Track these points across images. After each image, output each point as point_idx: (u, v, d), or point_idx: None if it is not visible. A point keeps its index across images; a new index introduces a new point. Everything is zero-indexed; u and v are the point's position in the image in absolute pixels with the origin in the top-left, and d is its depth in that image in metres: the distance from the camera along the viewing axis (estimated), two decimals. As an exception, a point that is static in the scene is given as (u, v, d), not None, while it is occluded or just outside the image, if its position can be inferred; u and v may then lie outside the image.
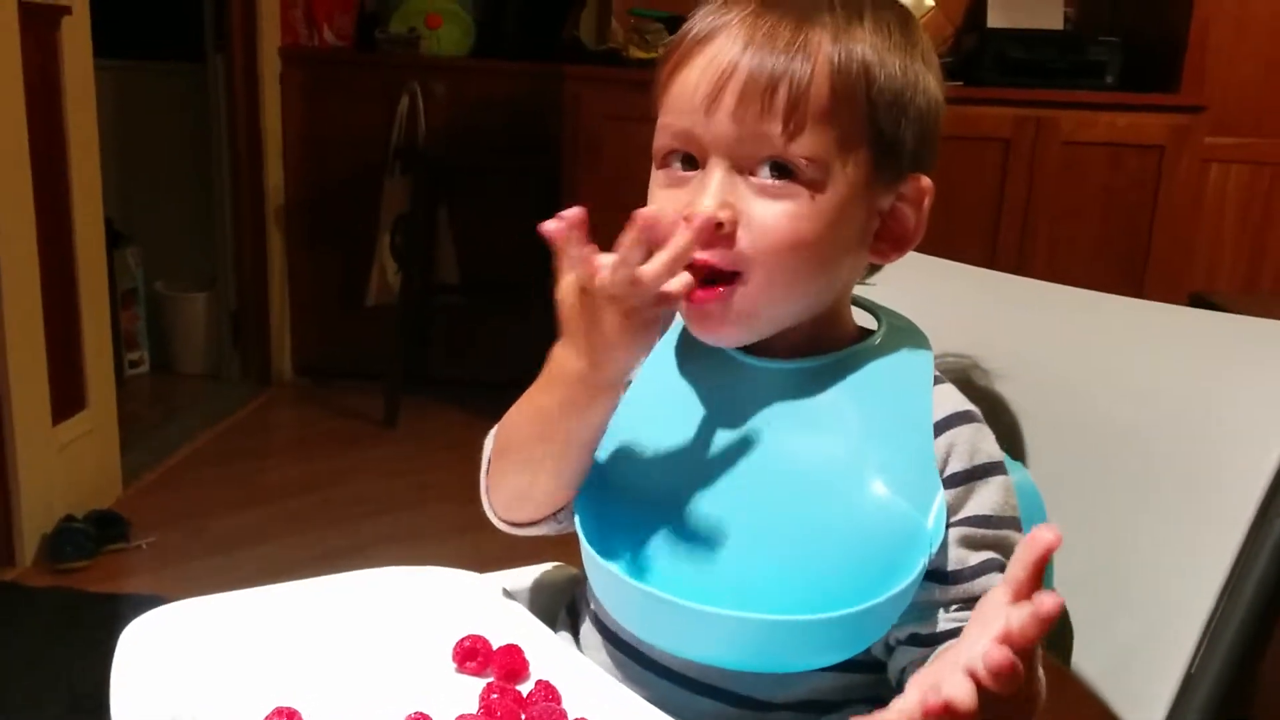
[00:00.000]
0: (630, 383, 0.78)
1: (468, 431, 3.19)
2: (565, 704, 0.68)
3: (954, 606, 0.70)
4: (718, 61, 0.69)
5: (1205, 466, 0.73)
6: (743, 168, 0.69)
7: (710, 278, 0.69)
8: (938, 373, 0.77)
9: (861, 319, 0.81)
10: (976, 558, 0.70)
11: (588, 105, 2.90)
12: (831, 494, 0.70)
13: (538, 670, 0.73)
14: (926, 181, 0.74)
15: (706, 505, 0.72)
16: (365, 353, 3.50)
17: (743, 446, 0.73)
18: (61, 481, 2.37)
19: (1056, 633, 0.80)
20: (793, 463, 0.71)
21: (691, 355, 0.78)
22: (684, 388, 0.77)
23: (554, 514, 0.79)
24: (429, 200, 3.29)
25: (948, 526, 0.70)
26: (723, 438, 0.73)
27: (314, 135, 3.50)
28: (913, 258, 0.82)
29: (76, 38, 2.38)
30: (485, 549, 1.27)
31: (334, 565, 0.87)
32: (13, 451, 2.21)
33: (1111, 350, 0.85)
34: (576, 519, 0.76)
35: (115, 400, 2.64)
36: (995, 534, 0.70)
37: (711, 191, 0.69)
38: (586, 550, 0.74)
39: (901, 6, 0.75)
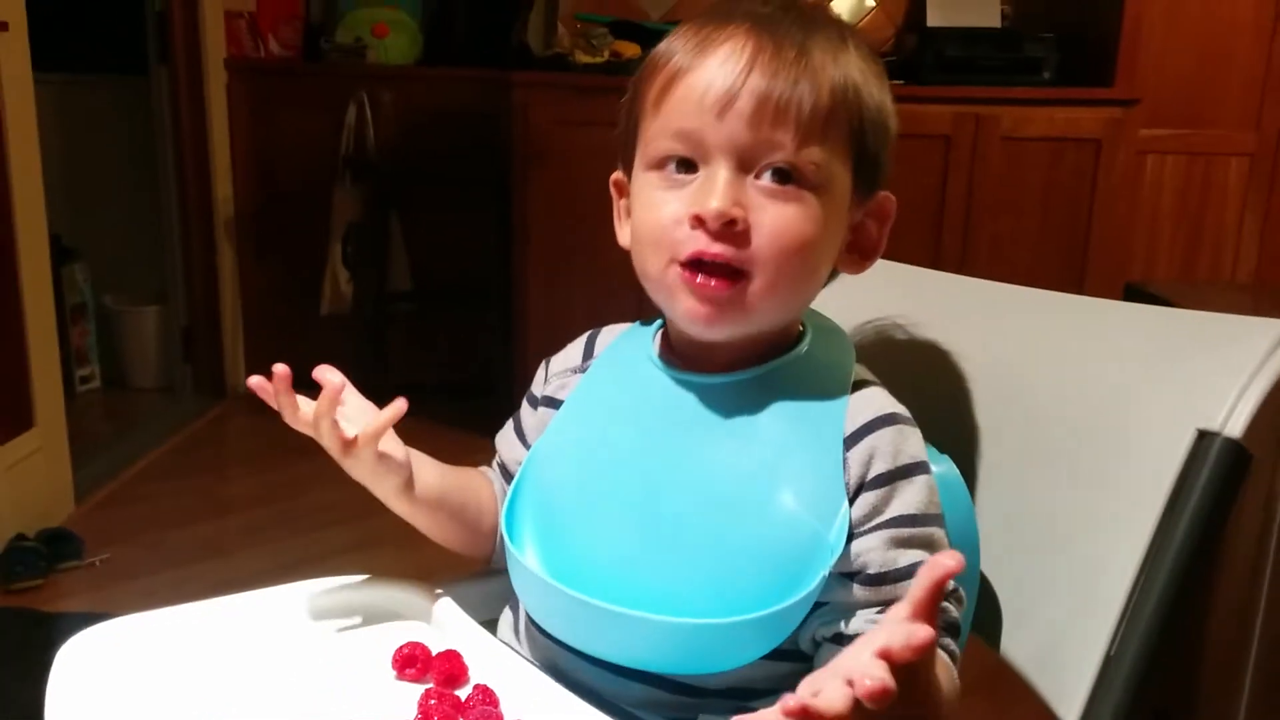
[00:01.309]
0: (561, 402, 0.83)
1: (423, 434, 3.20)
2: (503, 707, 0.69)
3: (879, 610, 0.71)
4: (730, 69, 0.72)
5: (1125, 453, 0.76)
6: (747, 169, 0.72)
7: (721, 271, 0.72)
8: (865, 375, 0.80)
9: None
10: (905, 558, 0.72)
11: (536, 110, 2.91)
12: (744, 506, 0.73)
13: (476, 675, 0.74)
14: (892, 200, 0.79)
15: (625, 515, 0.75)
16: (321, 362, 3.45)
17: (665, 459, 0.76)
18: (11, 501, 2.35)
19: (985, 619, 0.83)
20: (711, 475, 0.74)
21: (625, 372, 0.82)
22: (616, 403, 0.81)
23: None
24: (380, 208, 3.28)
25: (873, 529, 0.72)
26: (647, 450, 0.77)
27: (262, 146, 3.48)
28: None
29: (14, 52, 2.36)
30: (446, 555, 1.28)
31: (293, 575, 0.88)
32: (-39, 472, 2.19)
33: (1040, 344, 0.88)
34: (502, 524, 0.80)
35: (65, 417, 2.61)
36: (921, 532, 0.73)
37: (720, 191, 0.71)
38: (509, 550, 0.78)
39: (861, 32, 0.79)
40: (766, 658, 0.72)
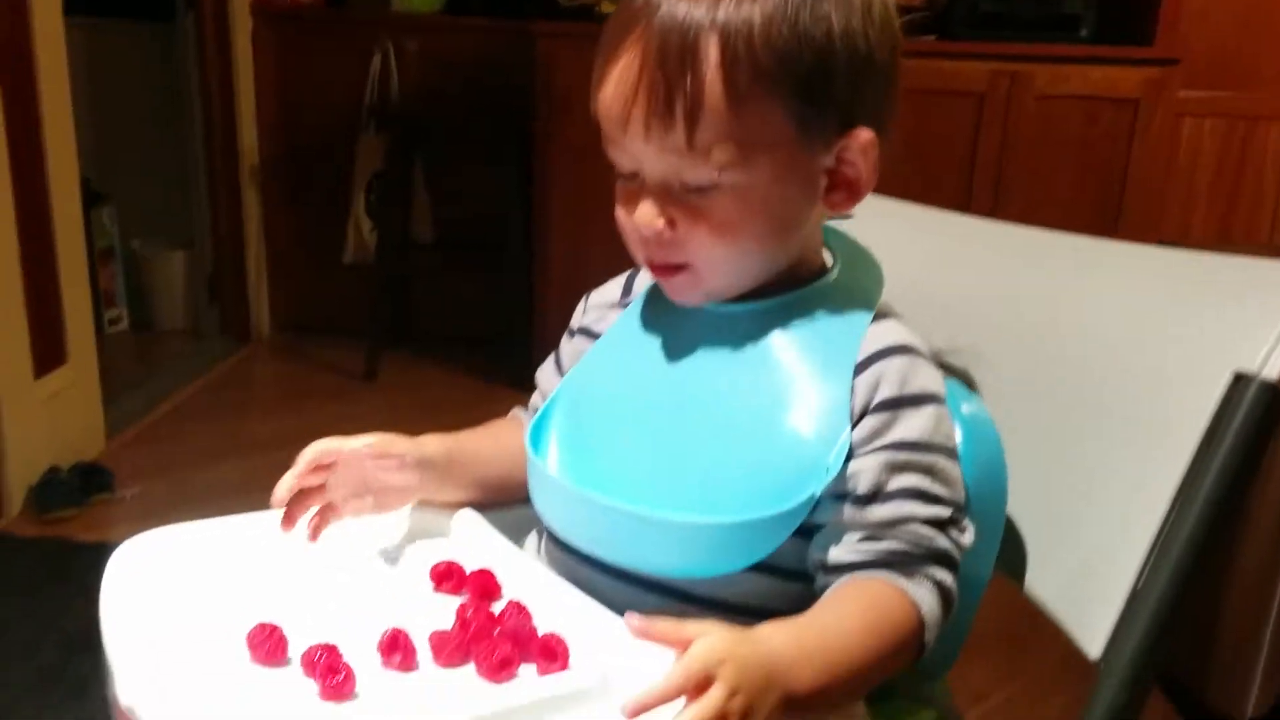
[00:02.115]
0: (597, 334, 0.87)
1: (447, 384, 3.23)
2: (535, 622, 0.70)
3: (863, 535, 0.72)
4: (621, 84, 0.72)
5: (1159, 395, 0.76)
6: (667, 178, 0.73)
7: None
8: (889, 310, 0.80)
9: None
10: (895, 483, 0.72)
11: (559, 61, 2.90)
12: (748, 427, 0.75)
13: (510, 592, 0.76)
14: (865, 134, 0.74)
15: (642, 433, 0.78)
16: (344, 308, 3.50)
17: (685, 383, 0.78)
18: (45, 434, 2.39)
19: (1011, 557, 0.84)
20: (723, 398, 0.77)
21: (659, 306, 0.84)
22: (648, 334, 0.83)
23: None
24: (403, 158, 3.28)
25: (872, 451, 0.73)
26: (669, 376, 0.79)
27: (287, 94, 3.48)
28: (877, 200, 0.84)
29: (46, -6, 2.36)
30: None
31: None
32: (-4, 404, 2.22)
33: (1073, 286, 0.87)
34: (527, 435, 0.83)
35: (96, 355, 2.64)
36: (920, 459, 0.73)
37: (644, 207, 0.74)
38: (530, 458, 0.81)
39: None
40: (777, 578, 0.74)
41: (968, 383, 0.86)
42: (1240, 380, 0.71)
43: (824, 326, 0.77)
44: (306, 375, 3.33)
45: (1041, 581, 0.81)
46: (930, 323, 0.91)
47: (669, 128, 0.70)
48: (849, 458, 0.73)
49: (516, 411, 0.96)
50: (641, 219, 0.74)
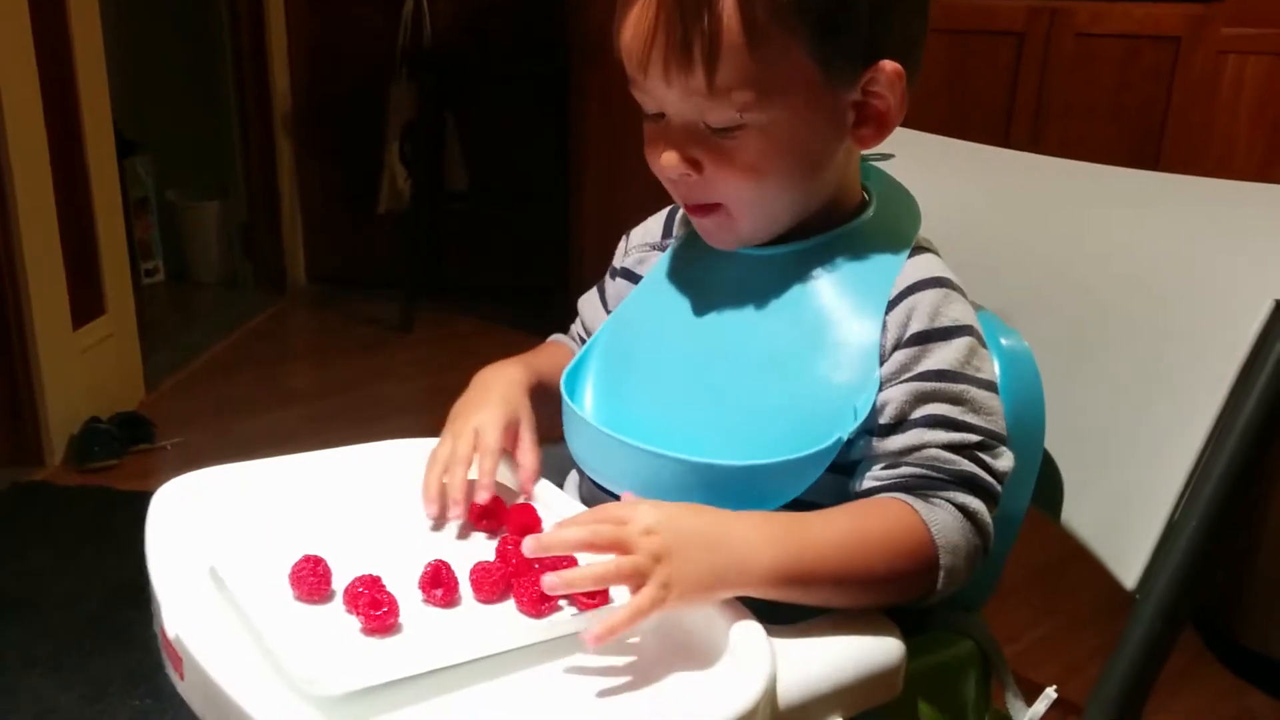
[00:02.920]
0: (638, 277, 0.87)
1: (482, 334, 3.25)
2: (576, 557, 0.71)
3: (884, 464, 0.73)
4: (639, 27, 0.71)
5: (1198, 324, 0.75)
6: (689, 119, 0.73)
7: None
8: (925, 244, 0.79)
9: None
10: (919, 411, 0.72)
11: (594, 5, 2.87)
12: (780, 371, 0.75)
13: (550, 526, 0.76)
14: (891, 66, 0.73)
15: (677, 378, 0.79)
16: (379, 259, 3.52)
17: (720, 328, 0.79)
18: (85, 384, 2.42)
19: (1047, 491, 0.83)
20: (756, 342, 0.77)
21: (697, 250, 0.84)
22: (686, 278, 0.83)
23: None
24: (436, 106, 3.27)
25: (900, 382, 0.73)
26: (706, 321, 0.80)
27: (320, 41, 3.47)
28: (915, 135, 0.83)
29: (77, -60, 2.36)
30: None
31: None
32: (35, 355, 2.25)
33: (1111, 217, 0.86)
34: (562, 381, 0.83)
35: (134, 306, 2.67)
36: (948, 387, 0.72)
37: (670, 151, 0.74)
38: (565, 403, 0.81)
39: None
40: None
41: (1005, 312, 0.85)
42: (1281, 309, 0.70)
43: (859, 266, 0.77)
44: (342, 327, 3.36)
45: (1078, 515, 0.81)
46: (968, 257, 0.90)
47: (689, 70, 0.69)
48: (878, 393, 0.73)
49: (556, 338, 0.97)
50: (666, 163, 0.74)
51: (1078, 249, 0.86)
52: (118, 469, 2.33)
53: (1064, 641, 1.81)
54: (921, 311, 0.74)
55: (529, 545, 0.65)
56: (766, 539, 0.67)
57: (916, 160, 0.87)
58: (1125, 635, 0.72)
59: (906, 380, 0.73)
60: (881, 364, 0.73)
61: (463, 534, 0.77)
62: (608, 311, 0.91)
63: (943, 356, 0.73)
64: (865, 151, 0.79)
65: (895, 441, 0.72)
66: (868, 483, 0.73)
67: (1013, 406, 0.77)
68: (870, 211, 0.80)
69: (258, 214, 3.54)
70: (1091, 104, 2.87)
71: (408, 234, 3.28)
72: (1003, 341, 0.79)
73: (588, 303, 0.95)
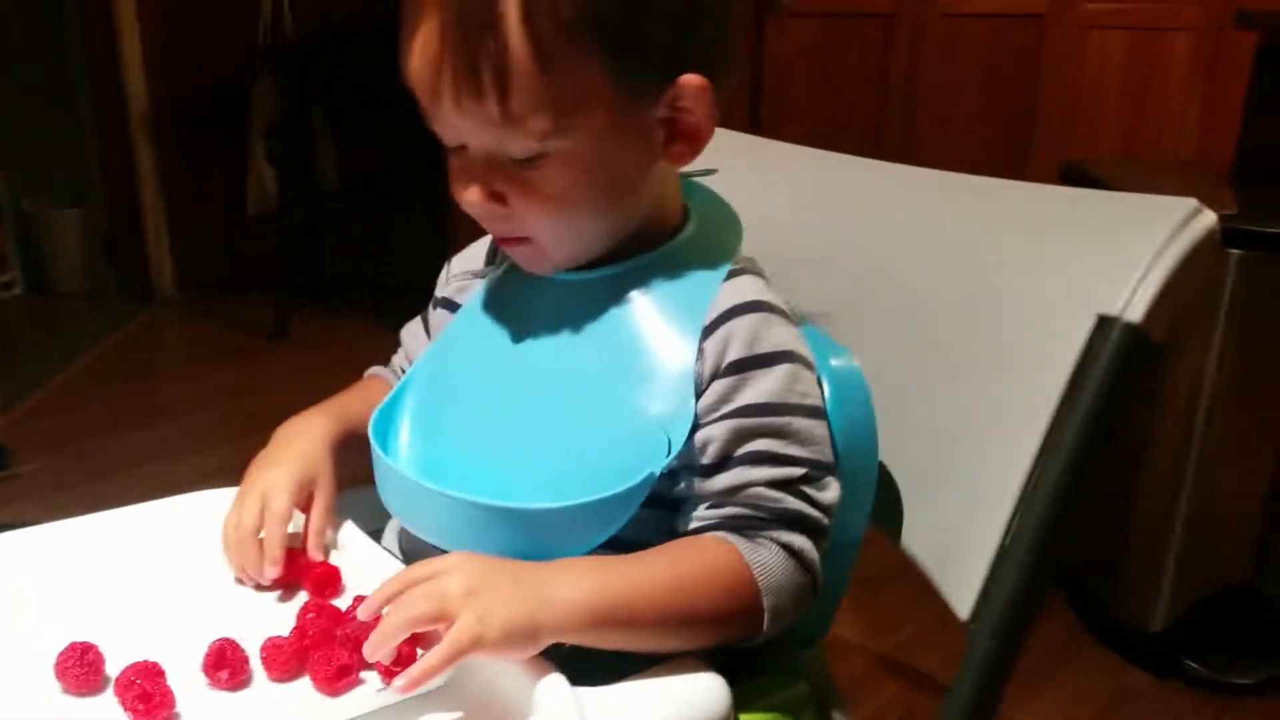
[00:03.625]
0: (458, 305, 0.83)
1: (361, 337, 3.15)
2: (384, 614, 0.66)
3: (708, 505, 0.70)
4: (426, 53, 0.66)
5: (1023, 340, 0.73)
6: (488, 150, 0.68)
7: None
8: (744, 264, 0.76)
9: None
10: (741, 449, 0.69)
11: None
12: (591, 403, 0.71)
13: (357, 586, 0.72)
14: (695, 80, 0.68)
15: (490, 413, 0.75)
16: (251, 263, 3.40)
17: (532, 359, 0.75)
18: (-70, 413, 2.29)
19: (887, 513, 0.81)
20: (567, 373, 0.73)
21: (515, 276, 0.80)
22: (503, 308, 0.79)
23: None
24: (303, 102, 3.17)
25: (719, 418, 0.70)
26: (518, 351, 0.76)
27: (176, 37, 3.34)
28: (739, 140, 0.80)
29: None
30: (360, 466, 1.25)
31: (231, 481, 0.84)
32: None
33: (933, 227, 0.84)
34: (371, 425, 0.78)
35: (-17, 325, 2.54)
36: (770, 422, 0.69)
37: (472, 186, 0.69)
38: (373, 448, 0.76)
39: None
40: (637, 549, 0.70)
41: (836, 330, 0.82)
42: (1104, 323, 0.68)
43: (675, 289, 0.73)
44: (214, 335, 3.24)
45: (915, 539, 0.79)
46: (797, 266, 0.87)
47: (480, 98, 0.64)
48: (697, 427, 0.69)
49: (375, 371, 0.92)
50: (470, 199, 0.69)
51: (910, 258, 0.84)
52: (-31, 500, 2.20)
53: (944, 629, 1.82)
54: (739, 338, 0.70)
55: (367, 651, 0.61)
56: (582, 576, 0.64)
57: (744, 168, 0.83)
58: (962, 664, 0.70)
59: (727, 416, 0.70)
60: (699, 394, 0.70)
61: (259, 603, 0.72)
62: (429, 338, 0.87)
63: (763, 387, 0.70)
64: (683, 169, 0.76)
65: (718, 481, 0.69)
66: (692, 523, 0.70)
67: (844, 428, 0.74)
68: (688, 231, 0.76)
69: (120, 220, 3.39)
70: (962, 84, 2.90)
71: (280, 236, 3.17)
72: (832, 362, 0.76)
73: (410, 334, 0.90)
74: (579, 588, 0.63)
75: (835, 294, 0.85)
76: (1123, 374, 0.68)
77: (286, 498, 0.75)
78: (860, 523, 0.77)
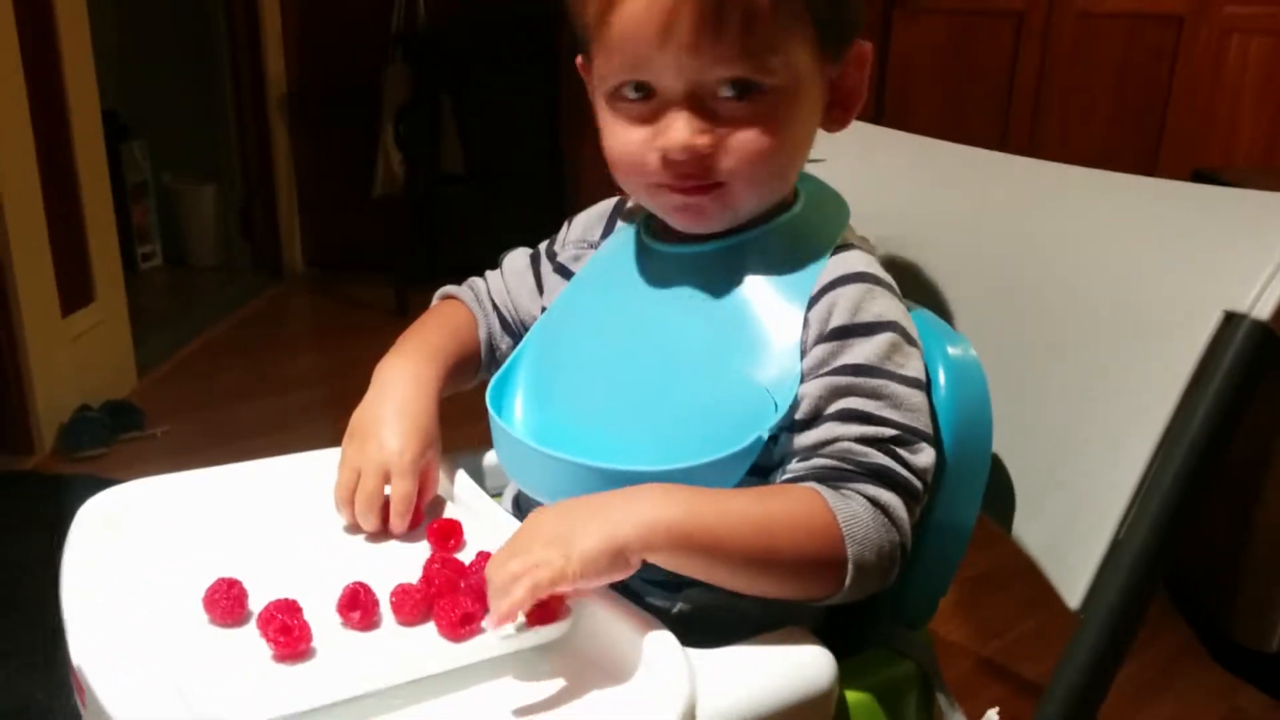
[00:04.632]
0: (571, 274, 0.86)
1: (476, 320, 3.21)
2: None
3: (798, 459, 0.71)
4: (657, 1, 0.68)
5: (1146, 335, 0.73)
6: (704, 90, 0.70)
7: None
8: (854, 241, 0.78)
9: None
10: (834, 406, 0.70)
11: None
12: (700, 371, 0.74)
13: (479, 542, 0.75)
14: (866, 45, 0.76)
15: (601, 382, 0.78)
16: (375, 243, 3.50)
17: (642, 329, 0.78)
18: (74, 373, 2.42)
19: (999, 503, 0.81)
20: (677, 342, 0.75)
21: (623, 249, 0.83)
22: (611, 279, 0.82)
23: None
24: (431, 89, 3.25)
25: (817, 377, 0.71)
26: (628, 321, 0.79)
27: (314, 24, 3.45)
28: (862, 128, 0.81)
29: (61, -79, 2.34)
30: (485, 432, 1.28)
31: None
32: (24, 343, 2.25)
33: (1060, 221, 0.84)
34: (489, 395, 0.81)
35: (124, 293, 2.67)
36: (866, 382, 0.71)
37: (681, 125, 0.70)
38: (491, 417, 0.79)
39: None
40: None
41: (951, 320, 0.83)
42: (1231, 319, 0.67)
43: (784, 261, 0.75)
44: (337, 311, 3.35)
45: (1027, 529, 0.79)
46: (914, 258, 0.88)
47: (719, 36, 0.67)
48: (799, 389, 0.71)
49: (449, 291, 0.95)
50: (680, 138, 0.70)
51: (1028, 252, 0.84)
52: (107, 457, 2.32)
53: (1054, 634, 1.79)
54: (842, 307, 0.72)
55: (489, 624, 0.63)
56: (669, 497, 0.66)
57: (864, 154, 0.84)
58: (1066, 656, 0.70)
59: (823, 375, 0.71)
60: (802, 359, 0.72)
61: (388, 552, 0.76)
62: (540, 290, 0.90)
63: (862, 351, 0.71)
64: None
65: (809, 436, 0.71)
66: (781, 476, 0.72)
67: (959, 415, 0.75)
68: (797, 208, 0.78)
69: (254, 198, 3.53)
70: (1093, 85, 2.83)
71: (402, 218, 3.26)
72: (950, 350, 0.76)
73: (514, 272, 0.92)
74: (663, 507, 0.65)
75: (953, 283, 0.85)
76: (1249, 371, 0.67)
77: (410, 481, 0.77)
78: (973, 508, 0.78)
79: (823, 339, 0.72)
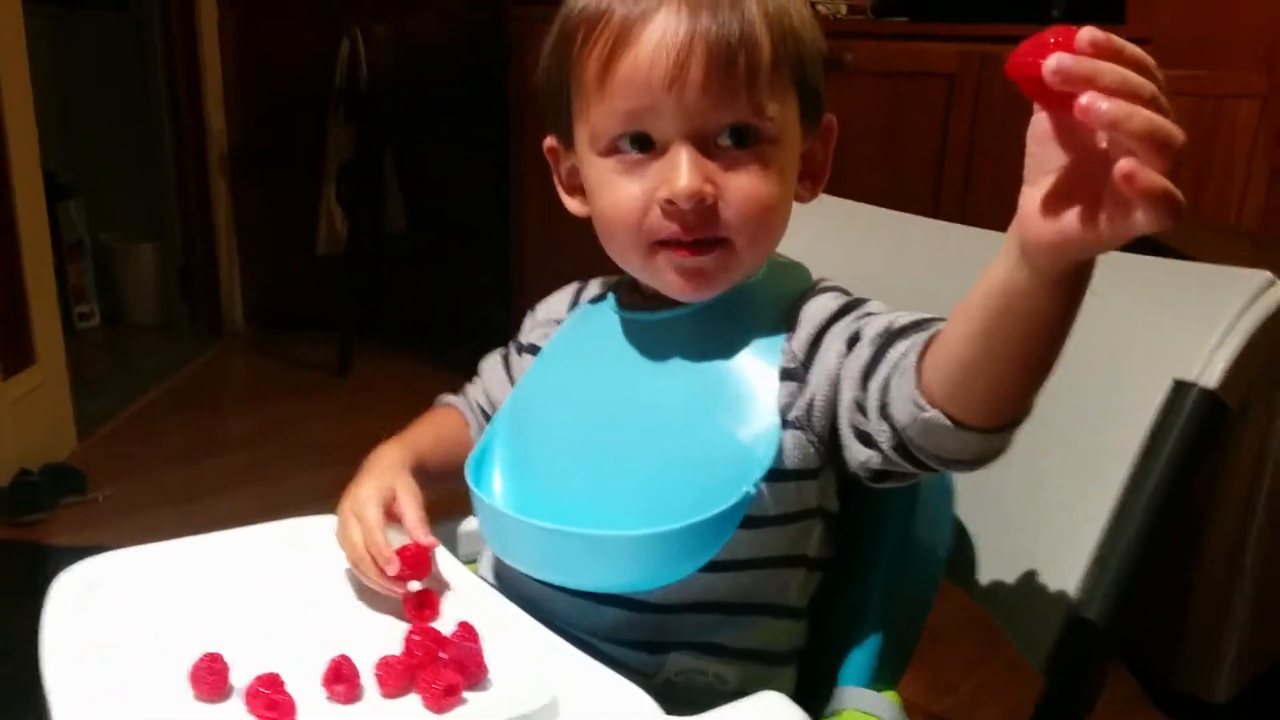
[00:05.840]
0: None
1: (421, 377, 3.21)
2: (484, 643, 0.70)
3: (858, 382, 0.69)
4: (671, 37, 0.69)
5: (1101, 402, 0.76)
6: (705, 138, 0.71)
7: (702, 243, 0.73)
8: (830, 284, 0.80)
9: None
10: (841, 339, 0.72)
11: (533, 43, 2.86)
12: (679, 431, 0.75)
13: (458, 613, 0.75)
14: (833, 120, 0.79)
15: (579, 449, 0.78)
16: (317, 301, 3.48)
17: (617, 394, 0.79)
18: (14, 436, 2.37)
19: (962, 566, 0.84)
20: (653, 405, 0.77)
21: (593, 319, 0.85)
22: (584, 348, 0.84)
23: None
24: (374, 146, 3.25)
25: (823, 363, 0.72)
26: (603, 388, 0.80)
27: (256, 78, 3.45)
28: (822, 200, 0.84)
29: (4, -16, 2.33)
30: (440, 496, 1.28)
31: (293, 512, 0.89)
32: (-39, 408, 2.20)
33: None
34: (468, 466, 0.82)
35: (65, 354, 2.62)
36: (849, 307, 0.74)
37: (687, 169, 0.70)
38: (471, 489, 0.80)
39: None
40: (729, 570, 0.73)
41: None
42: (1180, 387, 0.71)
43: (751, 322, 0.77)
44: (280, 370, 3.31)
45: (989, 591, 0.82)
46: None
47: (729, 77, 0.70)
48: (784, 425, 0.72)
49: (446, 400, 0.96)
50: (685, 183, 0.70)
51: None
52: (48, 522, 2.27)
53: (1003, 687, 1.81)
54: (815, 312, 0.75)
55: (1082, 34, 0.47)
56: None
57: (828, 227, 0.87)
58: (1037, 714, 0.72)
59: (823, 353, 0.72)
60: (800, 382, 0.73)
61: (365, 622, 0.76)
62: (511, 382, 0.91)
63: (833, 309, 0.74)
64: None
65: (848, 388, 0.69)
66: (868, 397, 0.67)
67: (925, 484, 0.77)
68: (760, 273, 0.79)
69: (194, 256, 3.49)
70: (1025, 146, 2.92)
71: (345, 276, 3.25)
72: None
73: (489, 369, 0.94)
74: None
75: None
76: (1198, 437, 0.71)
77: (375, 507, 0.79)
78: (936, 574, 0.80)
79: (810, 342, 0.73)
